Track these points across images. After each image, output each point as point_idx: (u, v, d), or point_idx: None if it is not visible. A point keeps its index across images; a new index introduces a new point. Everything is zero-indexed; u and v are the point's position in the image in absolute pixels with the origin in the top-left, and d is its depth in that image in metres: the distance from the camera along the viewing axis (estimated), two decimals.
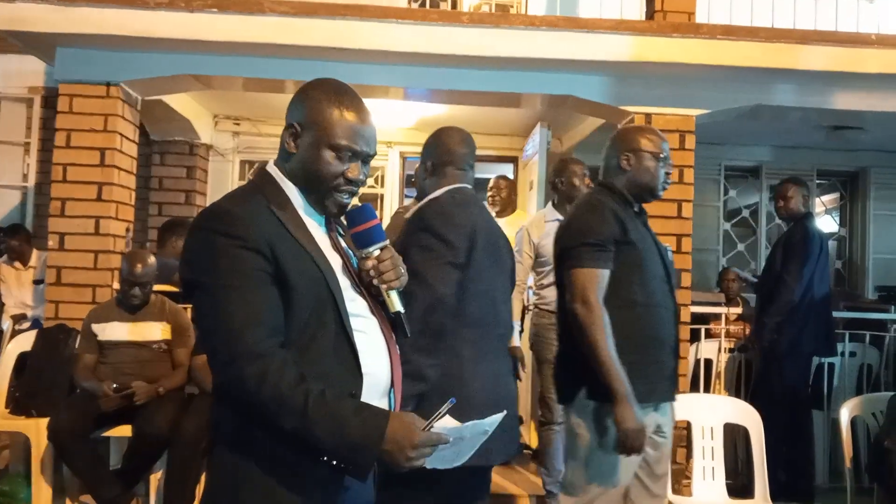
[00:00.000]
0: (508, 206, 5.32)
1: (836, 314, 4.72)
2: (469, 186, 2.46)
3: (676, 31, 4.41)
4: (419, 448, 1.38)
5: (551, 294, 4.12)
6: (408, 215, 2.61)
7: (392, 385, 1.58)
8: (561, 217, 4.17)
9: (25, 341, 4.35)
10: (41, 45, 4.50)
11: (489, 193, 5.27)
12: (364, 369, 1.50)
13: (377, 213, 1.67)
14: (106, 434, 3.83)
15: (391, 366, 1.58)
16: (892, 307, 5.86)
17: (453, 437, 1.43)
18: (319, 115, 1.54)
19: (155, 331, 3.94)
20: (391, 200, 7.04)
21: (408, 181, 7.17)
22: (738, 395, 4.68)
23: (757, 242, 7.39)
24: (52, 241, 4.49)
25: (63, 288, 4.47)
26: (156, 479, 3.82)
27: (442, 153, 2.45)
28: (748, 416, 3.48)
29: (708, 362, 4.93)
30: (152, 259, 3.95)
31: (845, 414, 3.48)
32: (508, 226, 4.96)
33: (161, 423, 3.64)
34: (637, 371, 2.39)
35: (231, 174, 6.94)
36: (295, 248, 1.48)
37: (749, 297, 5.85)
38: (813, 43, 4.43)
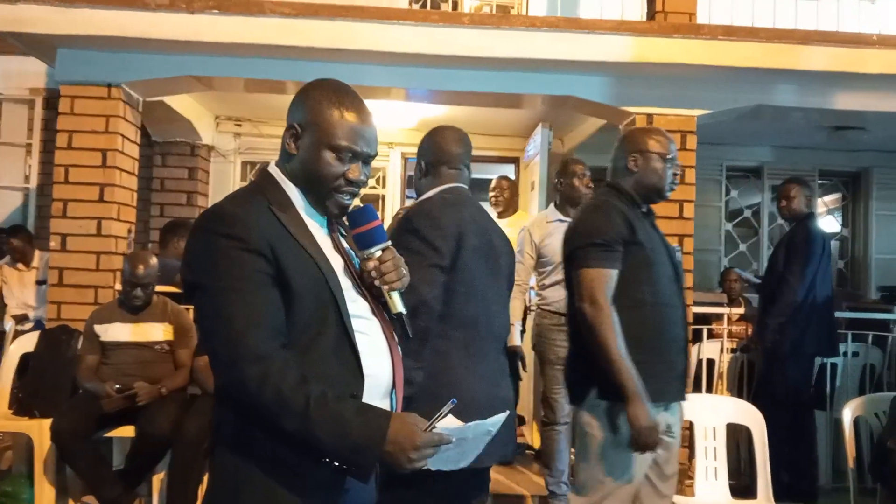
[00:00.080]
0: (510, 207, 5.33)
1: (838, 314, 4.71)
2: (464, 186, 2.44)
3: (677, 32, 4.41)
4: (421, 449, 1.38)
5: (553, 294, 4.13)
6: None
7: (393, 386, 1.58)
8: (563, 217, 4.18)
9: (28, 342, 4.36)
10: (42, 46, 4.51)
11: (492, 194, 5.27)
12: (365, 370, 1.50)
13: (379, 213, 1.66)
14: (108, 434, 3.84)
15: (392, 367, 1.57)
16: (895, 307, 5.85)
17: (456, 437, 1.43)
18: (320, 115, 1.54)
19: (157, 332, 3.94)
20: (392, 201, 7.05)
21: (409, 182, 7.18)
22: (740, 396, 4.68)
23: (759, 243, 7.39)
24: (53, 243, 4.49)
25: (65, 289, 4.47)
26: (158, 479, 3.82)
27: (435, 153, 2.44)
28: (751, 417, 3.47)
29: (710, 362, 4.93)
30: (154, 260, 3.96)
31: (848, 414, 3.47)
32: (510, 226, 4.97)
33: (163, 424, 3.64)
34: (647, 371, 2.39)
35: (232, 175, 6.95)
36: (296, 250, 1.48)
37: (751, 298, 5.85)
38: (814, 43, 4.42)
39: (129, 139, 4.70)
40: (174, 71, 4.57)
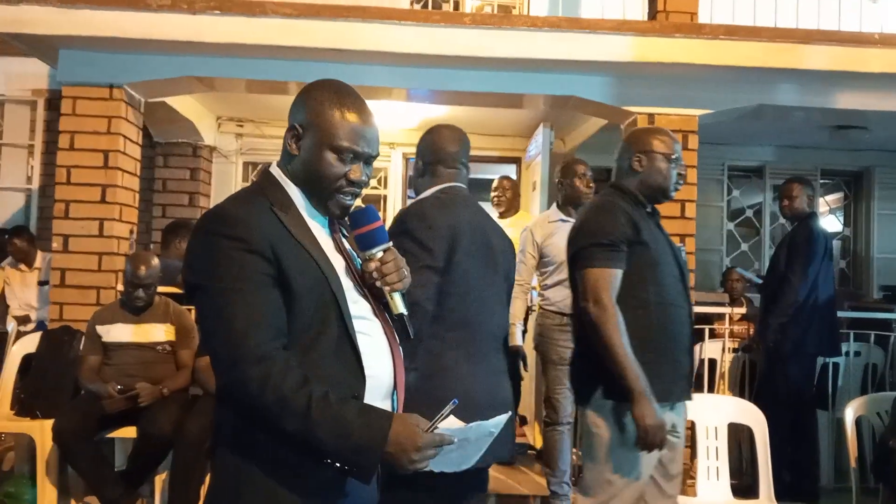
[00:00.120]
0: (512, 207, 5.33)
1: (840, 314, 4.71)
2: (461, 185, 2.42)
3: (679, 32, 4.41)
4: (422, 450, 1.38)
5: (555, 294, 4.13)
6: None
7: (395, 387, 1.58)
8: (565, 217, 4.18)
9: (30, 343, 4.36)
10: (44, 47, 4.51)
11: (494, 194, 5.26)
12: (367, 371, 1.49)
13: (380, 214, 1.66)
14: (110, 435, 3.84)
15: (394, 368, 1.57)
16: None
17: (457, 438, 1.43)
18: (321, 116, 1.54)
19: (159, 332, 3.95)
20: (394, 202, 7.05)
21: (411, 182, 7.15)
22: (742, 395, 4.68)
23: (760, 242, 7.38)
24: (56, 243, 4.50)
25: (67, 290, 4.48)
26: (160, 479, 3.82)
27: (432, 152, 2.43)
28: (752, 416, 3.47)
29: (712, 362, 4.92)
30: (156, 261, 3.96)
31: (850, 414, 3.46)
32: (511, 226, 4.97)
33: (165, 425, 3.65)
34: (653, 370, 2.39)
35: (234, 176, 6.95)
36: (297, 251, 1.48)
37: (753, 297, 5.85)
38: (816, 42, 4.42)
39: (130, 140, 4.71)
40: (176, 72, 4.58)
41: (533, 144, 6.20)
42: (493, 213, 5.23)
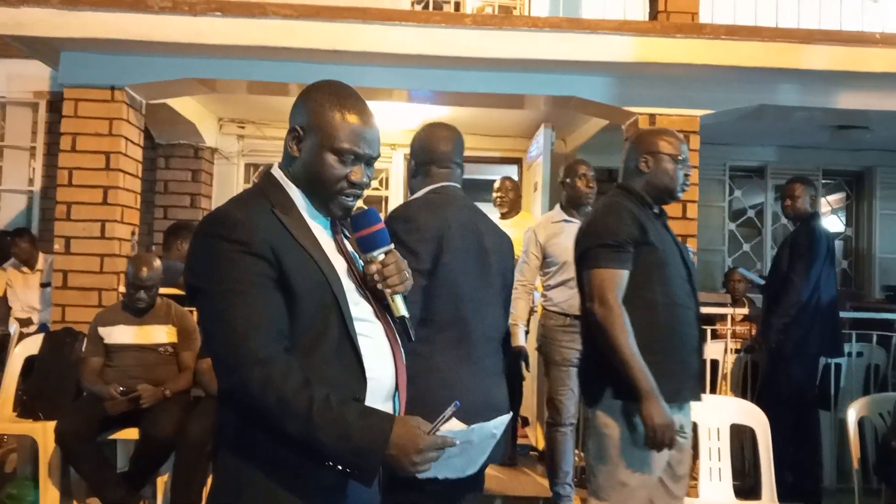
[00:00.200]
0: (514, 208, 5.32)
1: (842, 314, 4.70)
2: (454, 185, 2.39)
3: (680, 32, 4.41)
4: (424, 452, 1.38)
5: (558, 295, 4.12)
6: None
7: (396, 389, 1.57)
8: (568, 218, 4.17)
9: (32, 345, 4.36)
10: (45, 49, 4.52)
11: (497, 195, 5.26)
12: (368, 373, 1.49)
13: (382, 216, 1.66)
14: (112, 437, 3.84)
15: (395, 370, 1.57)
16: None
17: (459, 440, 1.42)
18: (321, 118, 1.54)
19: (161, 334, 3.95)
20: (395, 203, 7.04)
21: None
22: (744, 396, 4.67)
23: (762, 243, 7.37)
24: (57, 245, 4.51)
25: (69, 291, 4.49)
26: (162, 481, 3.82)
27: (424, 152, 2.41)
28: (755, 417, 3.46)
29: (714, 363, 4.91)
30: (158, 262, 3.96)
31: (852, 414, 3.46)
32: (513, 227, 4.97)
33: (167, 426, 3.64)
34: (662, 371, 2.39)
35: (236, 177, 6.96)
36: (299, 253, 1.48)
37: (755, 298, 5.84)
38: (817, 42, 4.42)
39: (132, 142, 4.71)
40: (177, 73, 4.58)
41: (534, 145, 6.20)
42: (495, 213, 5.22)
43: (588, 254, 2.51)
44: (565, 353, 4.06)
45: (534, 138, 6.23)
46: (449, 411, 1.43)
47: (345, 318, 1.48)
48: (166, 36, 4.28)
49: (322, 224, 1.60)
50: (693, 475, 3.95)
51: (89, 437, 3.66)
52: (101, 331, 3.91)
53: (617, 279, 2.43)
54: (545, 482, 4.41)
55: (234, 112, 6.63)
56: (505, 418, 1.54)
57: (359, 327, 1.51)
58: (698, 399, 2.62)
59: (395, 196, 7.09)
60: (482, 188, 7.59)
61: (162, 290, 4.05)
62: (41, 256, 5.67)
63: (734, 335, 5.06)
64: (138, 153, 4.83)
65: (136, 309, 3.92)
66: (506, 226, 4.92)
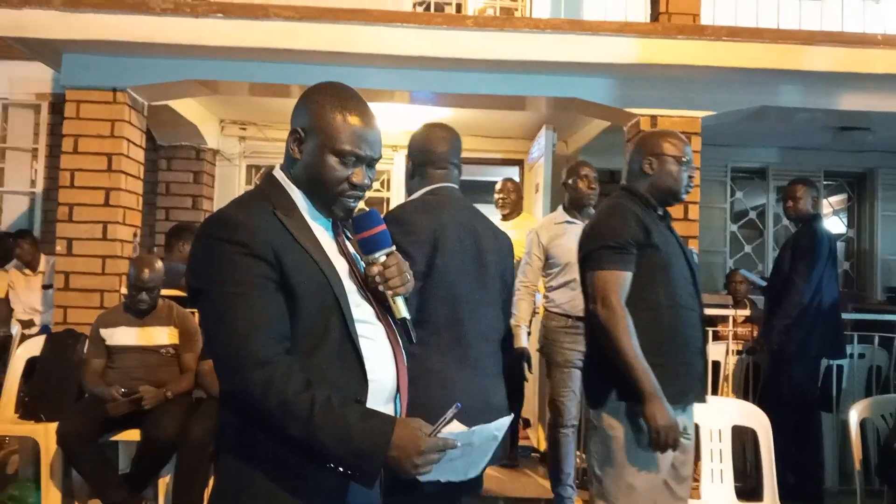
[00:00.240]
0: (516, 210, 5.32)
1: (844, 316, 4.69)
2: (452, 186, 2.38)
3: (681, 33, 4.41)
4: (425, 454, 1.38)
5: (560, 296, 4.12)
6: None
7: (398, 390, 1.57)
8: (571, 219, 4.17)
9: (34, 346, 4.36)
10: (47, 51, 4.53)
11: (499, 196, 5.25)
12: (369, 375, 1.49)
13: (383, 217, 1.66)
14: (114, 438, 3.84)
15: (397, 371, 1.57)
16: None
17: (461, 442, 1.42)
18: (322, 120, 1.54)
19: (162, 335, 3.95)
20: (397, 204, 7.04)
21: None
22: (745, 398, 4.66)
23: (764, 244, 7.37)
24: (59, 247, 4.51)
25: (71, 293, 4.49)
26: (164, 483, 3.82)
27: (421, 153, 2.40)
28: (756, 419, 3.46)
29: (716, 364, 4.91)
30: (159, 264, 3.97)
31: (854, 416, 3.45)
32: (514, 228, 4.97)
33: (169, 428, 3.65)
34: (666, 373, 2.39)
35: (238, 179, 6.96)
36: (300, 254, 1.48)
37: (756, 299, 5.83)
38: (818, 44, 4.42)
39: (134, 143, 4.72)
40: (179, 75, 4.59)
41: (535, 147, 6.20)
42: (497, 215, 5.22)
43: (591, 256, 2.51)
44: (567, 354, 4.05)
45: (535, 140, 6.23)
46: (450, 413, 1.43)
47: (346, 320, 1.48)
48: (168, 38, 4.29)
49: (323, 225, 1.60)
50: (695, 476, 3.95)
51: (91, 439, 3.67)
52: (103, 332, 3.92)
53: (620, 281, 2.43)
54: (547, 484, 4.41)
55: (236, 114, 6.64)
56: (506, 420, 1.53)
57: (360, 329, 1.51)
58: (703, 401, 2.62)
59: (397, 197, 7.09)
60: (484, 190, 7.59)
61: (164, 292, 4.05)
62: (43, 258, 5.67)
63: (736, 336, 5.06)
64: (140, 155, 4.84)
65: (137, 310, 3.93)
66: (507, 227, 4.93)
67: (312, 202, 1.58)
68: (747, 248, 7.39)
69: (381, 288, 1.57)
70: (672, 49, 4.38)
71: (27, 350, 4.39)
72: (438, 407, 1.46)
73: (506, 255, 2.44)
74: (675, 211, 4.50)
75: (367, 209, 1.65)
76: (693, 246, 4.56)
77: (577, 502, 4.15)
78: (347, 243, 1.63)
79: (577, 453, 4.37)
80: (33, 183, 6.42)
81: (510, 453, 4.93)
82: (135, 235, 4.78)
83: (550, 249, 4.17)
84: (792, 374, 4.34)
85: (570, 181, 4.20)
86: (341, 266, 1.56)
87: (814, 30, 4.73)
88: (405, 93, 4.85)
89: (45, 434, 3.84)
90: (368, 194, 6.18)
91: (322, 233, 1.58)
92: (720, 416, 3.49)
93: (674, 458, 2.52)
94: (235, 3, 4.43)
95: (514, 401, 4.82)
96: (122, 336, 3.91)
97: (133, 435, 3.78)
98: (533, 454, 5.30)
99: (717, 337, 4.97)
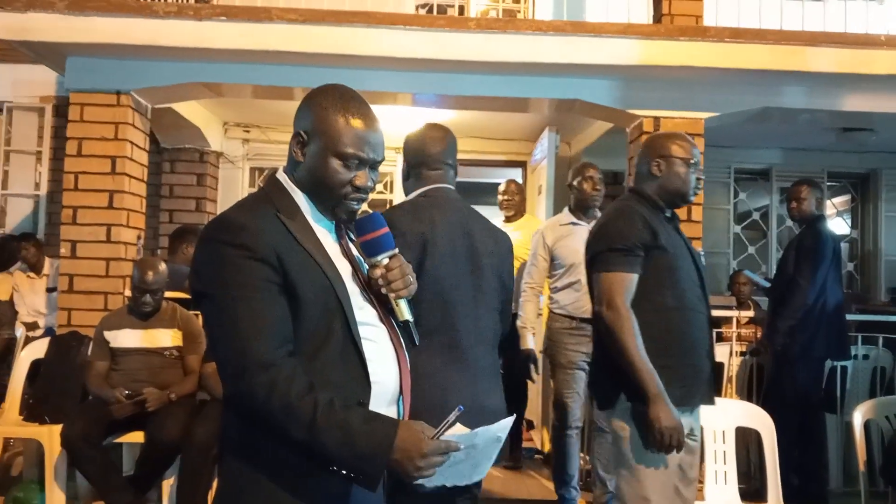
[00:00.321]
0: (519, 211, 5.32)
1: (848, 317, 4.69)
2: (447, 186, 2.37)
3: (684, 35, 4.41)
4: (428, 457, 1.38)
5: (565, 297, 4.12)
6: None
7: (400, 393, 1.58)
8: (576, 220, 4.17)
9: (38, 348, 4.38)
10: (51, 54, 4.54)
11: (504, 198, 5.25)
12: (372, 377, 1.49)
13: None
14: (118, 440, 3.86)
15: (400, 374, 1.57)
16: None
17: (464, 444, 1.42)
18: (325, 122, 1.54)
19: (166, 338, 3.96)
20: None
21: None
22: (749, 399, 4.66)
23: (767, 245, 7.36)
24: (63, 249, 4.52)
25: (75, 295, 4.50)
26: (168, 485, 3.83)
27: (415, 154, 2.39)
28: (760, 420, 3.45)
29: (719, 366, 4.90)
30: (163, 266, 3.97)
31: (858, 417, 3.45)
32: (517, 230, 4.97)
33: (173, 430, 3.65)
34: (674, 375, 2.40)
35: (241, 181, 6.97)
36: (303, 257, 1.48)
37: (760, 301, 5.83)
38: (821, 45, 4.41)
39: (138, 146, 4.73)
40: (182, 78, 4.60)
41: (538, 148, 6.21)
42: (500, 216, 5.23)
43: (598, 258, 2.52)
44: (571, 355, 4.05)
45: (538, 141, 6.24)
46: (453, 416, 1.43)
47: (349, 322, 1.49)
48: (171, 40, 4.30)
49: (327, 228, 1.60)
50: (699, 478, 3.95)
51: (95, 441, 3.67)
52: (107, 334, 3.93)
53: (626, 283, 2.44)
54: (550, 485, 4.41)
55: (240, 116, 6.65)
56: (508, 421, 1.53)
57: (363, 331, 1.51)
58: (711, 402, 2.62)
59: (400, 199, 7.07)
60: (486, 191, 7.59)
61: (167, 294, 4.06)
62: (47, 261, 5.69)
63: (739, 338, 5.05)
64: (144, 157, 4.85)
65: (141, 313, 3.94)
66: (511, 229, 4.93)
67: (315, 205, 1.58)
68: (751, 250, 7.38)
69: (383, 290, 1.57)
70: (675, 50, 4.38)
71: (31, 352, 4.41)
72: (430, 410, 1.46)
73: (504, 255, 2.43)
74: (679, 212, 4.50)
75: (370, 212, 1.65)
76: (696, 247, 4.55)
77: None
78: (350, 246, 1.63)
79: (581, 455, 4.36)
80: (37, 186, 6.43)
81: (513, 455, 4.94)
82: (138, 238, 4.79)
83: (555, 250, 4.17)
84: (796, 376, 4.33)
85: (575, 182, 4.20)
86: (344, 269, 1.56)
87: (816, 31, 4.72)
88: (408, 95, 4.86)
89: (50, 436, 3.85)
90: (371, 196, 6.18)
91: (325, 235, 1.58)
92: (724, 417, 3.48)
93: (681, 460, 2.52)
94: (238, 6, 4.44)
95: (517, 402, 4.85)
96: (125, 338, 3.92)
97: (137, 437, 3.79)
98: (536, 456, 5.30)
99: (720, 338, 4.95)
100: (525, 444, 5.36)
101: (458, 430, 1.45)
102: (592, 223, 3.11)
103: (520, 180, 6.81)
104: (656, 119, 4.63)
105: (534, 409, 5.55)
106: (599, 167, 4.29)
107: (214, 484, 3.42)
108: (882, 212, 7.30)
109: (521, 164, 7.15)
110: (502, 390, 2.37)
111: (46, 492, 3.89)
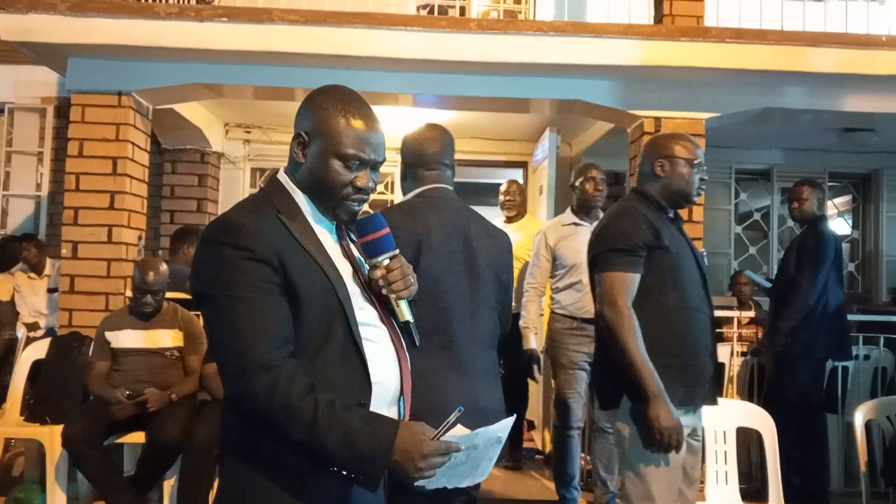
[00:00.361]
0: (521, 212, 5.32)
1: (849, 317, 4.68)
2: (444, 186, 2.36)
3: (685, 35, 4.41)
4: (429, 457, 1.38)
5: (566, 298, 4.12)
6: None
7: (401, 393, 1.58)
8: (578, 221, 4.17)
9: (40, 349, 4.38)
10: (53, 55, 4.55)
11: (505, 198, 5.24)
12: (373, 378, 1.49)
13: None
14: (119, 441, 3.86)
15: (400, 374, 1.57)
16: None
17: (464, 445, 1.42)
18: (326, 123, 1.54)
19: (167, 338, 3.97)
20: None
21: None
22: (750, 399, 4.66)
23: (768, 245, 7.36)
24: (65, 250, 4.52)
25: (76, 296, 4.50)
26: (169, 485, 3.83)
27: (412, 155, 2.39)
28: (761, 420, 3.45)
29: (720, 366, 4.90)
30: (164, 267, 3.98)
31: (859, 417, 3.44)
32: (518, 230, 4.97)
33: (173, 430, 3.66)
34: (676, 375, 2.40)
35: (242, 182, 6.98)
36: (304, 258, 1.48)
37: (761, 301, 5.83)
38: (822, 45, 4.41)
39: (139, 147, 4.74)
40: (183, 79, 4.60)
41: (539, 149, 6.21)
42: (501, 217, 5.23)
43: (600, 258, 2.52)
44: (572, 356, 4.05)
45: (539, 142, 6.24)
46: (453, 417, 1.43)
47: (350, 323, 1.49)
48: (173, 41, 4.30)
49: (327, 229, 1.60)
50: (700, 479, 3.95)
51: (96, 441, 3.68)
52: (108, 335, 3.93)
53: (627, 283, 2.44)
54: (551, 486, 4.41)
55: (241, 117, 6.65)
56: (508, 422, 1.53)
57: (364, 332, 1.51)
58: (714, 403, 2.62)
59: (401, 200, 7.09)
60: (487, 192, 7.59)
61: (168, 295, 4.06)
62: (48, 262, 5.69)
63: (740, 338, 5.05)
64: (145, 158, 4.85)
65: (142, 313, 3.94)
66: (512, 229, 4.93)
67: (316, 205, 1.58)
68: (752, 250, 7.38)
69: (384, 291, 1.57)
70: (676, 51, 4.38)
71: (32, 353, 4.41)
72: (427, 411, 1.46)
73: (502, 255, 2.42)
74: (680, 213, 4.51)
75: (371, 212, 1.65)
76: (698, 247, 4.55)
77: None
78: (351, 246, 1.63)
79: (582, 455, 4.36)
80: (39, 187, 6.43)
81: (514, 455, 4.94)
82: (140, 238, 4.79)
83: (557, 251, 4.17)
84: (797, 376, 4.33)
85: (577, 183, 4.20)
86: (345, 269, 1.56)
87: (818, 31, 4.72)
88: (409, 96, 4.86)
89: (51, 436, 3.85)
90: (372, 197, 6.18)
91: (326, 236, 1.58)
92: (725, 417, 3.48)
93: (684, 461, 2.52)
94: (239, 7, 4.45)
95: (517, 402, 4.85)
96: (126, 339, 3.92)
97: (138, 437, 3.80)
98: (537, 456, 5.30)
99: (721, 338, 4.95)
100: (526, 445, 5.36)
101: (459, 430, 1.44)
102: (594, 223, 3.10)
103: (521, 181, 6.82)
104: (657, 119, 4.63)
105: (535, 410, 5.55)
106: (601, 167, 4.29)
107: (215, 484, 3.43)
108: (883, 212, 7.29)
109: (522, 165, 7.15)
110: (501, 390, 2.36)
111: (47, 492, 3.89)
